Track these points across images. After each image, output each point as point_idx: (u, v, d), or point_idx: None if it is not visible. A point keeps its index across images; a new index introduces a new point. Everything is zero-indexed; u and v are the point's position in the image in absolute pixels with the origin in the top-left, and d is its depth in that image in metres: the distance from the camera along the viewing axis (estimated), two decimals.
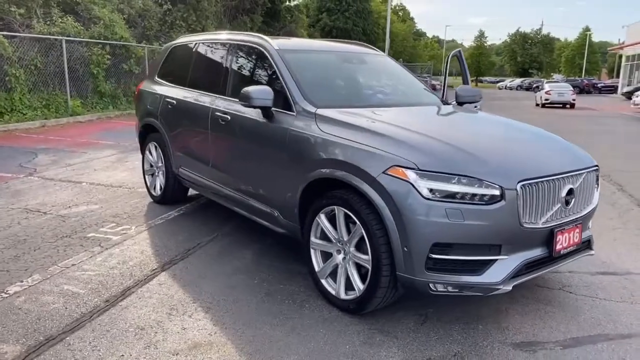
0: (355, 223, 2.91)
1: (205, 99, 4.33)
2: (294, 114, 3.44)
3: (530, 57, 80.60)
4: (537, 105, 27.64)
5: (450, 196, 2.60)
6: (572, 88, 28.54)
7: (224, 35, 4.57)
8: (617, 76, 67.55)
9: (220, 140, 4.10)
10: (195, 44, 4.86)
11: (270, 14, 25.61)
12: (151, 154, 5.30)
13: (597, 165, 3.20)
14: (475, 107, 4.98)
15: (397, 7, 71.25)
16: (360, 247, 2.94)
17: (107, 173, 6.76)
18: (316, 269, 3.24)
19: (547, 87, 28.63)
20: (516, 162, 2.82)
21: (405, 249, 2.65)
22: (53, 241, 4.11)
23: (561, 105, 26.59)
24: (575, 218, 2.95)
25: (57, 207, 5.06)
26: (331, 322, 2.96)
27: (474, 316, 3.06)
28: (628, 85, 44.25)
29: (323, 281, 3.20)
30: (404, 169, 2.67)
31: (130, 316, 2.95)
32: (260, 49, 3.98)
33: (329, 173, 3.02)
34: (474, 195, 2.60)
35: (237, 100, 3.88)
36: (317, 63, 4.05)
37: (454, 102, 4.45)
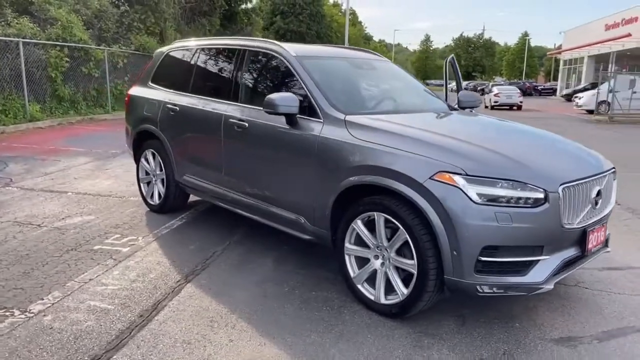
0: (397, 229, 2.95)
1: (215, 106, 4.25)
2: (321, 120, 3.45)
3: (473, 60, 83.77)
4: (487, 107, 28.70)
5: (498, 200, 2.69)
6: (519, 90, 29.92)
7: (231, 41, 4.50)
8: (554, 79, 71.48)
9: (235, 147, 4.04)
10: (197, 48, 4.77)
11: (227, 17, 25.33)
12: (148, 162, 5.14)
13: (614, 168, 3.38)
14: (471, 111, 5.13)
15: (336, 9, 71.98)
16: (401, 252, 2.98)
17: (90, 182, 6.50)
18: (352, 274, 3.26)
19: (495, 89, 29.94)
20: (554, 166, 2.95)
21: (454, 252, 2.71)
22: (59, 255, 3.92)
23: (509, 107, 27.83)
24: (601, 218, 3.12)
25: (50, 219, 4.82)
26: (375, 327, 2.98)
27: (508, 315, 3.16)
28: (567, 88, 46.69)
29: (359, 287, 3.22)
30: (451, 175, 2.74)
31: (171, 330, 2.86)
32: (276, 55, 3.96)
33: (369, 180, 3.04)
34: (520, 198, 2.69)
35: (254, 107, 3.90)
36: (334, 69, 4.07)
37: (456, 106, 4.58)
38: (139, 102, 5.25)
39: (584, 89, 32.63)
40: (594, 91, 24.15)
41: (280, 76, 4.00)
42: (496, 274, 2.75)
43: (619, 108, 20.80)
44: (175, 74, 4.97)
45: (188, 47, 4.93)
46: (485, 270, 2.73)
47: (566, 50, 50.69)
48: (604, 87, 23.74)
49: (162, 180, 4.99)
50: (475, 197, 2.68)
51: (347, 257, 3.29)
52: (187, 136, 4.60)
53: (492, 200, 2.69)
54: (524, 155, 2.99)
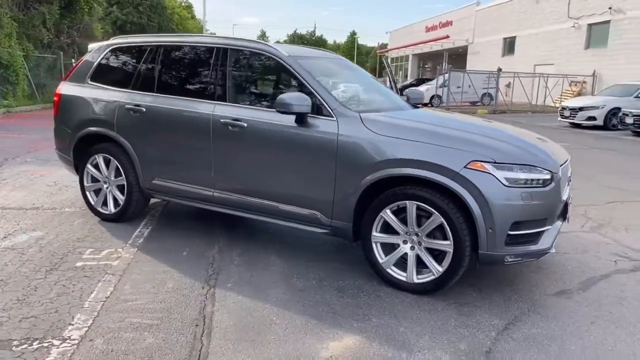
0: (428, 214, 3.30)
1: (197, 106, 4.12)
2: (334, 118, 3.63)
3: None
4: None
5: (521, 182, 3.20)
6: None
7: (207, 39, 4.36)
8: (379, 75, 78.30)
9: (230, 147, 3.98)
10: (158, 45, 4.51)
11: (66, 5, 22.83)
12: (98, 168, 4.72)
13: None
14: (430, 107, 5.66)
15: (184, 3, 69.58)
16: (432, 235, 3.34)
17: (16, 194, 5.65)
18: (380, 260, 3.52)
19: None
20: (547, 151, 3.56)
21: (490, 230, 3.16)
22: (42, 277, 3.49)
23: None
24: (569, 193, 3.84)
25: None
26: (417, 304, 3.30)
27: (506, 282, 3.72)
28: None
29: (389, 270, 3.51)
30: (482, 163, 3.17)
31: (242, 336, 2.84)
32: (267, 54, 4.01)
33: (400, 172, 3.33)
34: (536, 180, 3.24)
35: (251, 106, 3.96)
36: (324, 69, 4.23)
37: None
38: (79, 102, 4.77)
39: (411, 85, 36.45)
40: (427, 86, 27.27)
41: (276, 76, 4.06)
42: (519, 245, 3.26)
43: (452, 100, 23.76)
44: (130, 72, 4.63)
45: (144, 44, 4.62)
46: (512, 243, 3.23)
47: (392, 49, 55.82)
48: (434, 83, 27.01)
49: (121, 186, 4.63)
50: (504, 181, 3.15)
51: (374, 245, 3.54)
52: (158, 138, 4.35)
53: (516, 182, 3.18)
54: (525, 144, 3.54)
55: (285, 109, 3.58)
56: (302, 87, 3.81)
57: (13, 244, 4.10)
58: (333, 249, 4.33)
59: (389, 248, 3.54)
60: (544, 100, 25.34)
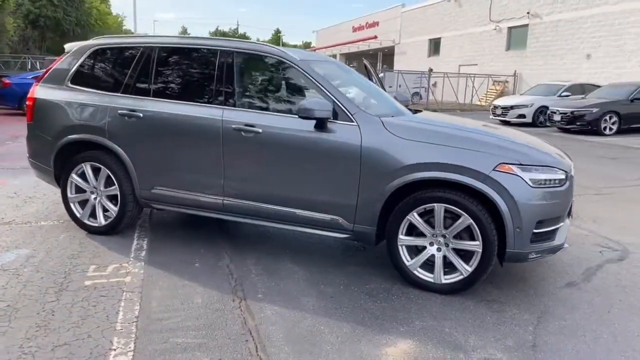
0: (456, 216, 3.40)
1: (204, 111, 3.96)
2: (355, 123, 3.63)
3: None
4: None
5: (542, 182, 3.38)
6: None
7: (210, 41, 4.16)
8: None
9: (244, 153, 3.86)
10: (153, 47, 4.27)
11: None
12: (84, 177, 4.40)
13: None
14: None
15: None
16: (459, 236, 3.45)
17: None
18: (407, 263, 3.58)
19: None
20: (558, 153, 3.77)
21: (517, 229, 3.31)
22: (55, 300, 3.22)
23: None
24: None
25: None
26: (449, 304, 3.39)
27: (520, 278, 3.91)
28: None
29: (416, 272, 3.58)
30: (510, 165, 3.32)
31: (299, 348, 2.78)
32: (278, 58, 3.94)
33: (429, 175, 3.40)
34: (554, 180, 3.43)
35: (265, 112, 3.90)
36: (334, 73, 4.20)
37: None
38: (60, 107, 4.42)
39: None
40: None
41: (290, 80, 3.99)
42: (540, 242, 3.45)
43: None
44: (121, 75, 4.35)
45: (135, 44, 4.36)
46: (535, 240, 3.40)
47: (320, 48, 56.34)
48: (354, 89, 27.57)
49: (113, 197, 4.35)
50: (529, 182, 3.32)
51: (400, 248, 3.59)
52: (158, 145, 4.13)
53: (539, 183, 3.36)
54: (538, 146, 3.73)
55: (307, 115, 3.55)
56: (318, 92, 3.78)
57: (1, 265, 3.73)
58: (344, 253, 4.34)
59: (413, 250, 3.61)
60: (471, 99, 26.70)
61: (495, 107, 17.90)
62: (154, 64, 4.24)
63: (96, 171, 4.37)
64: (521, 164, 3.34)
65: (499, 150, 3.42)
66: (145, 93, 4.22)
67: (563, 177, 3.48)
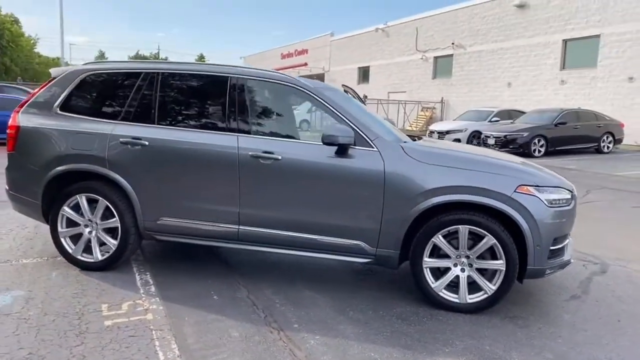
0: (479, 237, 3.56)
1: (218, 139, 3.87)
2: (375, 149, 3.72)
3: None
4: None
5: (555, 202, 3.62)
6: None
7: (222, 69, 4.05)
8: None
9: (263, 180, 3.81)
10: (154, 73, 4.12)
11: None
12: (78, 210, 4.12)
13: None
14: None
15: (9, 17, 61.96)
16: (482, 256, 3.60)
17: None
18: (432, 285, 3.67)
19: None
20: (559, 175, 4.05)
21: (537, 247, 3.52)
22: (80, 343, 2.97)
23: None
24: None
25: None
26: (478, 323, 3.50)
27: (527, 293, 4.12)
28: None
29: (441, 294, 3.67)
30: (528, 187, 3.54)
31: None
32: (292, 86, 3.96)
33: (454, 198, 3.53)
34: (563, 199, 3.69)
35: (282, 139, 3.91)
36: (342, 100, 4.25)
37: None
38: (49, 135, 4.14)
39: None
40: (296, 111, 28.14)
41: (302, 108, 4.00)
42: (555, 258, 3.68)
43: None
44: (119, 102, 4.15)
45: (134, 71, 4.18)
46: (551, 257, 3.63)
47: None
48: (301, 107, 27.98)
49: (110, 229, 4.10)
50: (546, 202, 3.55)
51: (425, 270, 3.67)
52: (166, 174, 3.96)
53: (552, 203, 3.60)
54: (542, 169, 3.99)
55: (330, 141, 3.60)
56: (335, 119, 3.83)
57: (0, 309, 3.38)
58: (356, 277, 4.35)
59: (436, 272, 3.70)
60: (403, 124, 27.80)
61: (432, 132, 18.78)
62: (157, 90, 4.10)
63: (91, 203, 4.11)
64: (537, 186, 3.56)
65: (516, 172, 3.63)
66: (148, 120, 4.06)
67: (569, 196, 3.75)
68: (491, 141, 15.83)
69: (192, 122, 4.03)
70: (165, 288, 3.87)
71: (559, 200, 3.64)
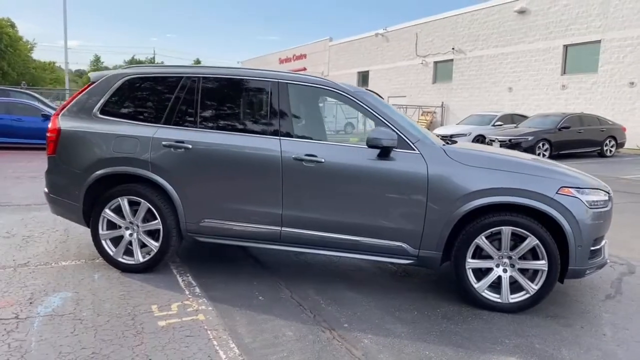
0: (520, 238, 3.63)
1: (261, 142, 3.94)
2: (416, 151, 3.79)
3: None
4: None
5: (594, 203, 3.70)
6: None
7: (264, 73, 4.11)
8: None
9: (306, 183, 3.86)
10: (195, 77, 4.18)
11: None
12: (119, 212, 4.17)
13: None
14: None
15: (7, 22, 61.71)
16: (524, 256, 3.67)
17: None
18: (475, 285, 3.73)
19: None
20: (592, 176, 4.14)
21: (579, 247, 3.59)
22: (139, 343, 3.01)
23: None
24: None
25: (22, 306, 3.43)
26: (524, 322, 3.56)
27: (563, 294, 4.20)
28: None
29: (484, 294, 3.74)
30: (569, 188, 3.62)
31: None
32: (331, 90, 4.04)
33: (500, 200, 3.60)
34: (601, 201, 3.77)
35: (325, 142, 3.98)
36: (384, 104, 4.30)
37: None
38: (91, 138, 4.19)
39: None
40: None
41: (345, 111, 4.07)
42: (594, 258, 3.75)
43: None
44: (161, 106, 4.20)
45: (176, 75, 4.24)
46: (591, 257, 3.70)
47: None
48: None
49: (153, 231, 4.15)
50: (587, 204, 3.63)
51: (468, 271, 3.74)
52: (209, 177, 4.02)
53: (592, 204, 3.68)
54: (579, 172, 4.07)
55: (375, 144, 3.67)
56: (376, 122, 3.91)
57: (53, 310, 3.42)
58: (391, 278, 4.42)
59: (478, 273, 3.77)
60: None
61: (436, 136, 18.85)
62: (199, 94, 4.16)
63: (132, 205, 4.15)
64: (578, 187, 3.64)
65: (556, 174, 3.71)
66: (190, 124, 4.11)
67: (607, 198, 3.83)
68: (496, 145, 15.93)
69: (233, 126, 4.09)
70: (209, 289, 3.92)
71: (597, 201, 3.72)
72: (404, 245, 3.79)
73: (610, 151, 16.96)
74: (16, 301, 3.54)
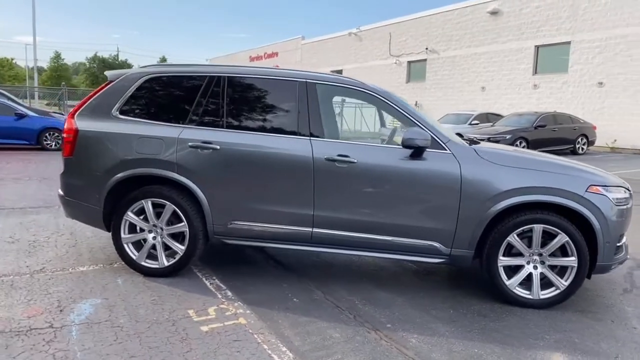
0: (550, 235, 3.72)
1: (292, 143, 3.90)
2: (448, 151, 3.84)
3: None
4: None
5: (619, 201, 3.82)
6: None
7: (292, 73, 4.07)
8: None
9: (338, 184, 3.85)
10: (220, 77, 4.11)
11: None
12: (142, 215, 4.06)
13: None
14: None
15: None
16: (554, 253, 3.76)
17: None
18: (507, 282, 3.80)
19: None
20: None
21: (607, 243, 3.71)
22: (189, 349, 2.94)
23: None
24: None
25: (60, 306, 3.30)
26: (555, 317, 3.66)
27: (583, 288, 4.31)
28: None
29: (515, 291, 3.81)
30: (597, 187, 3.72)
31: None
32: (363, 90, 4.04)
33: (533, 198, 3.67)
34: (624, 198, 3.90)
35: (356, 142, 3.98)
36: (409, 104, 4.31)
37: None
38: (111, 139, 4.06)
39: None
40: None
41: (374, 112, 4.07)
42: (619, 254, 3.88)
43: None
44: (182, 106, 4.11)
45: (198, 74, 4.15)
46: (616, 253, 3.83)
47: None
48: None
49: (176, 234, 4.05)
50: (614, 201, 3.75)
51: (500, 269, 3.80)
52: (239, 178, 3.95)
53: (618, 201, 3.80)
54: (600, 170, 4.19)
55: (410, 144, 3.70)
56: (405, 122, 3.94)
57: (87, 318, 3.30)
58: (415, 277, 4.45)
59: (508, 270, 3.83)
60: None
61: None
62: (226, 94, 4.09)
63: (156, 208, 4.05)
64: (605, 185, 3.76)
65: (584, 173, 3.81)
66: (216, 124, 4.04)
67: (628, 195, 3.96)
68: None
69: (262, 126, 4.04)
70: (241, 292, 3.86)
71: (621, 199, 3.84)
72: (437, 244, 3.83)
73: (582, 149, 17.55)
74: (45, 309, 3.40)
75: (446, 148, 3.84)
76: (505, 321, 3.55)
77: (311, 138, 3.92)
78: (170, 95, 4.21)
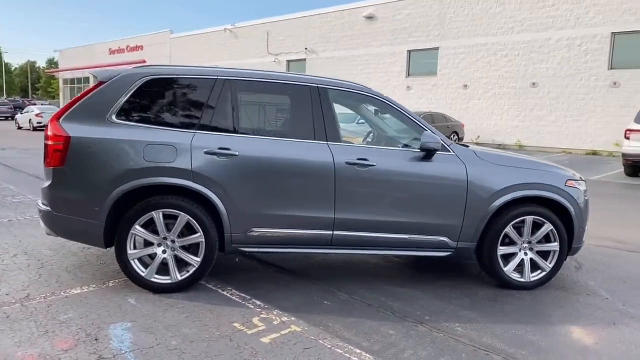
0: (538, 225, 4.28)
1: (311, 148, 3.94)
2: (452, 153, 4.21)
3: None
4: (23, 128, 27.47)
5: (585, 193, 4.52)
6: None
7: (304, 77, 4.08)
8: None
9: (359, 187, 3.96)
10: (231, 80, 3.97)
11: None
12: (150, 228, 3.79)
13: None
14: None
15: None
16: (540, 240, 4.33)
17: None
18: (504, 269, 4.27)
19: (37, 110, 28.71)
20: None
21: (581, 229, 4.37)
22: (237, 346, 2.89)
23: None
24: None
25: (92, 326, 2.96)
26: (557, 297, 4.20)
27: (566, 274, 4.99)
28: None
29: (511, 275, 4.30)
30: (572, 181, 4.37)
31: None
32: (372, 96, 4.24)
33: (528, 194, 4.16)
34: (586, 190, 4.61)
35: (374, 146, 4.17)
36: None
37: None
38: (113, 147, 3.72)
39: None
40: None
41: (387, 117, 4.27)
42: (584, 238, 4.57)
43: None
44: (190, 110, 3.89)
45: (206, 77, 3.96)
46: (583, 237, 4.51)
47: (67, 70, 51.16)
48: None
49: (190, 246, 3.85)
50: (584, 193, 4.43)
51: (499, 258, 4.26)
52: (258, 184, 3.86)
53: (585, 193, 4.49)
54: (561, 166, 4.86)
55: (427, 148, 3.99)
56: (412, 127, 4.23)
57: (134, 344, 3.02)
58: (416, 270, 4.74)
59: (506, 258, 4.31)
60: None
61: None
62: (237, 98, 3.98)
63: (166, 219, 3.80)
64: (576, 180, 4.41)
65: (559, 170, 4.44)
66: (229, 130, 3.91)
67: (585, 187, 4.69)
68: None
69: (277, 131, 4.03)
70: (270, 300, 3.80)
71: (586, 191, 4.54)
72: (446, 239, 4.16)
73: None
74: (75, 340, 3.04)
75: (450, 150, 4.18)
76: (512, 304, 3.99)
77: (329, 143, 3.99)
78: (176, 98, 3.97)
